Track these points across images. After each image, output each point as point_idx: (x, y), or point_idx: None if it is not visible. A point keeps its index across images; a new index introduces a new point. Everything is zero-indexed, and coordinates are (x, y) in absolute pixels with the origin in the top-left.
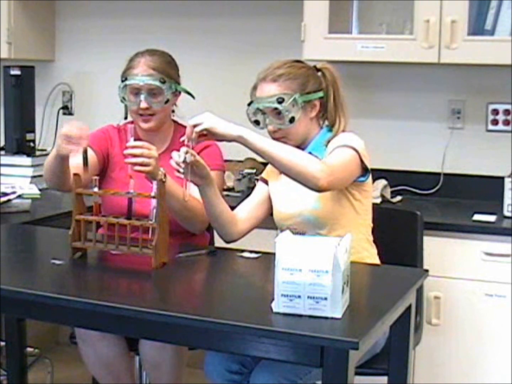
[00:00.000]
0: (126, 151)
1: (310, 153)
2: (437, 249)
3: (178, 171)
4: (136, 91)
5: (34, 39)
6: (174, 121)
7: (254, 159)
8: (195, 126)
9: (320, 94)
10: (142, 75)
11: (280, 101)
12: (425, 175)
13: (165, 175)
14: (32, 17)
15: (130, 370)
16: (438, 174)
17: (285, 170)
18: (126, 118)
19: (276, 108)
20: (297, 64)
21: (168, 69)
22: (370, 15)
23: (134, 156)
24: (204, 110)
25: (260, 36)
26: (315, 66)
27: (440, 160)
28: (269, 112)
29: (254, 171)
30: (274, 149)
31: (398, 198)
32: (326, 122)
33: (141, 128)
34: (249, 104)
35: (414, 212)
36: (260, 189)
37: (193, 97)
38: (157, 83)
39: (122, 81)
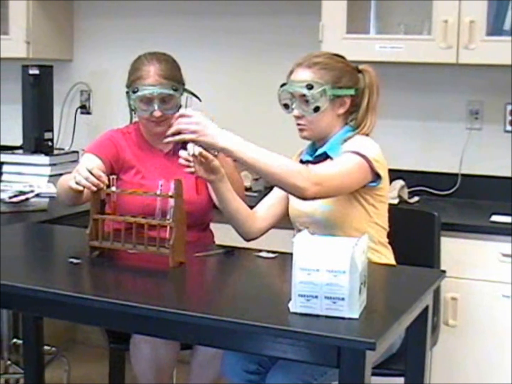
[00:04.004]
0: (177, 115)
1: (325, 153)
2: (454, 250)
3: (189, 166)
4: (148, 100)
5: (52, 39)
6: None
7: None
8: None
9: (352, 91)
10: (155, 85)
11: (309, 87)
12: (443, 176)
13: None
14: (51, 16)
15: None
16: (456, 174)
17: (271, 182)
18: (131, 122)
19: (304, 95)
20: (336, 57)
21: (176, 75)
22: (388, 15)
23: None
24: (218, 111)
25: (277, 36)
26: (357, 67)
27: (458, 161)
28: (297, 97)
29: None
30: (260, 161)
31: (416, 198)
32: (352, 123)
33: (152, 133)
34: (281, 86)
35: (432, 213)
36: None
37: (199, 99)
38: (171, 92)
39: (134, 91)
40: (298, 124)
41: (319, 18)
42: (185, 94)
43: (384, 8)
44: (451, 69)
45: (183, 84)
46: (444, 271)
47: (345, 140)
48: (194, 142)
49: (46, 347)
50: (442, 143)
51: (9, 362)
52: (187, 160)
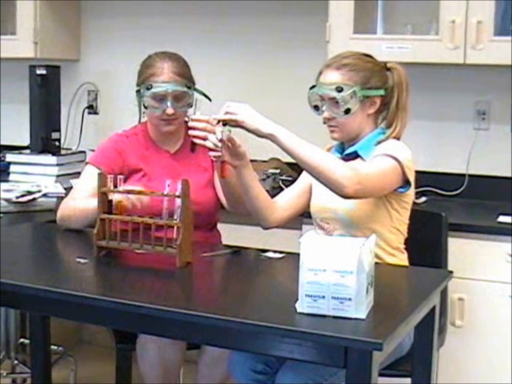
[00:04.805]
0: (190, 123)
1: (356, 152)
2: (461, 251)
3: (215, 151)
4: (161, 98)
5: (59, 39)
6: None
7: (278, 159)
8: (227, 113)
9: (381, 91)
10: (169, 82)
11: (339, 90)
12: (450, 176)
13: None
14: (58, 16)
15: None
16: (463, 175)
17: (313, 174)
18: (139, 122)
19: (334, 97)
20: (365, 57)
21: (188, 73)
22: (395, 16)
23: (196, 129)
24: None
25: (284, 36)
26: (385, 65)
27: (465, 161)
28: (327, 99)
29: (278, 171)
30: (303, 151)
31: (423, 199)
32: (382, 124)
33: (162, 132)
34: (311, 88)
35: (439, 213)
36: (303, 179)
37: (209, 99)
38: (184, 89)
39: (148, 88)
40: (330, 126)
41: (326, 18)
42: (194, 96)
43: (391, 8)
44: (458, 70)
45: (194, 84)
46: (451, 272)
47: (378, 143)
48: (240, 126)
49: (53, 347)
50: (449, 143)
51: (16, 362)
52: (215, 145)
